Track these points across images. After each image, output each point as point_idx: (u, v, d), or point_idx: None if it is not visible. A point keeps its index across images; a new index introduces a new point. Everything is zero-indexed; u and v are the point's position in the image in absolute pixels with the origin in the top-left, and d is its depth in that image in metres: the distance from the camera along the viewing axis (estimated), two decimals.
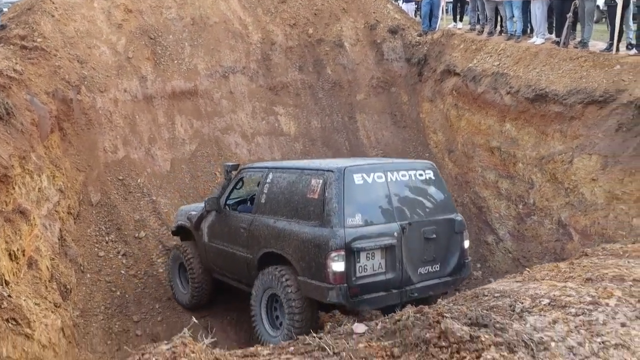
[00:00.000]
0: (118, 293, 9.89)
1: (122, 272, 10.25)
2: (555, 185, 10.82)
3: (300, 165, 8.00)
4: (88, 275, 9.92)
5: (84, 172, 11.16)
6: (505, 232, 11.81)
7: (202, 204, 9.27)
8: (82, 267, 9.87)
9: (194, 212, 9.61)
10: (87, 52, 12.29)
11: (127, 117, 12.24)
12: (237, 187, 9.09)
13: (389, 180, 7.20)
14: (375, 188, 7.07)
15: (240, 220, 8.37)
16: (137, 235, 10.88)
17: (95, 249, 10.42)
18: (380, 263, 6.82)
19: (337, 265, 6.48)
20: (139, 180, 11.67)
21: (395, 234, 6.92)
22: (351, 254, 6.54)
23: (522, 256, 11.29)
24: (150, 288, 10.14)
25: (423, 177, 7.60)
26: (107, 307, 9.59)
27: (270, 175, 8.04)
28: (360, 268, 6.64)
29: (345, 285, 6.50)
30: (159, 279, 10.32)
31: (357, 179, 6.93)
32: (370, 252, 6.73)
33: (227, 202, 8.96)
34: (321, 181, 7.01)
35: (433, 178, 7.71)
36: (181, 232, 10.07)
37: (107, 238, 10.68)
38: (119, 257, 10.49)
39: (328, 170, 7.04)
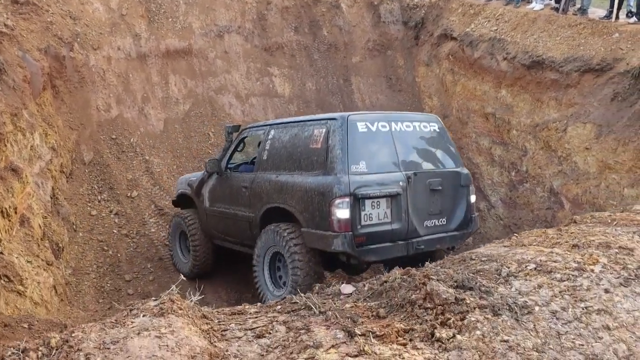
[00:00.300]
0: (110, 252, 9.92)
1: (115, 231, 10.27)
2: (549, 153, 10.86)
3: (302, 119, 7.79)
4: (80, 234, 9.94)
5: (76, 131, 11.09)
6: (497, 198, 11.88)
7: (202, 172, 9.20)
8: (74, 226, 9.88)
9: (194, 179, 9.52)
10: (79, 9, 12.09)
11: (121, 76, 12.12)
12: (239, 149, 8.98)
13: (393, 129, 7.03)
14: (379, 137, 6.91)
15: (242, 180, 8.21)
16: (129, 194, 10.88)
17: (88, 208, 10.43)
18: (385, 212, 6.65)
19: (342, 213, 6.32)
20: (132, 140, 11.61)
21: (401, 183, 6.75)
22: (356, 201, 6.37)
23: (514, 223, 11.37)
24: (142, 248, 10.17)
25: (428, 129, 7.43)
26: (99, 266, 9.63)
27: (272, 132, 7.88)
28: (366, 216, 6.49)
29: (350, 233, 6.34)
30: (151, 238, 10.35)
31: (361, 126, 6.76)
32: (375, 201, 6.57)
33: (229, 166, 8.83)
34: (324, 130, 6.85)
35: (438, 130, 7.55)
36: (182, 201, 9.90)
37: (99, 197, 10.68)
38: (112, 216, 10.49)
39: (331, 119, 6.89)
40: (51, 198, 9.40)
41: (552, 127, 10.77)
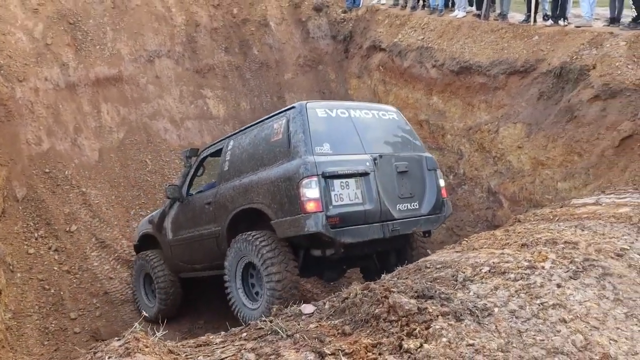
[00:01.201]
0: (52, 291, 9.57)
1: (55, 268, 9.92)
2: (484, 155, 11.16)
3: (261, 119, 7.58)
4: (18, 275, 9.56)
5: (6, 167, 10.68)
6: None
7: (162, 207, 8.98)
8: (11, 267, 9.50)
9: (154, 215, 9.24)
10: (1, 39, 11.71)
11: (50, 107, 11.78)
12: (199, 173, 8.75)
13: (352, 116, 7.02)
14: (340, 122, 6.88)
15: (204, 198, 7.99)
16: (68, 229, 10.54)
17: (25, 247, 10.04)
18: (356, 193, 6.52)
19: (311, 192, 6.16)
20: (66, 172, 11.27)
21: (368, 163, 6.66)
22: (324, 180, 6.24)
23: (456, 225, 11.60)
24: (86, 283, 9.86)
25: (387, 117, 7.47)
26: (41, 307, 9.26)
27: (231, 142, 7.77)
28: (336, 196, 6.33)
29: (322, 212, 6.14)
30: (95, 272, 10.05)
31: (320, 112, 6.75)
32: (344, 181, 6.45)
33: (189, 192, 8.60)
34: (284, 121, 6.78)
35: (397, 119, 7.59)
36: (144, 244, 9.56)
37: (36, 234, 10.30)
38: (51, 253, 10.14)
39: (289, 109, 6.85)
40: None
41: (485, 129, 11.08)
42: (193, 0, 14.76)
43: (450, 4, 13.73)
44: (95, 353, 2.81)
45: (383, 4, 15.61)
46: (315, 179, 6.16)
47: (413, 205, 7.09)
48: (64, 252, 10.21)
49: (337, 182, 6.35)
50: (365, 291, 3.57)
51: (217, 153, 8.21)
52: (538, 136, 10.13)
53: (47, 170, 11.15)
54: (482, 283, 3.78)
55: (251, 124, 7.78)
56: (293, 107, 6.81)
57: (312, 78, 15.04)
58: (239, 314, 6.95)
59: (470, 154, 11.47)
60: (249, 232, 6.88)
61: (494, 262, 4.08)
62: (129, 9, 13.76)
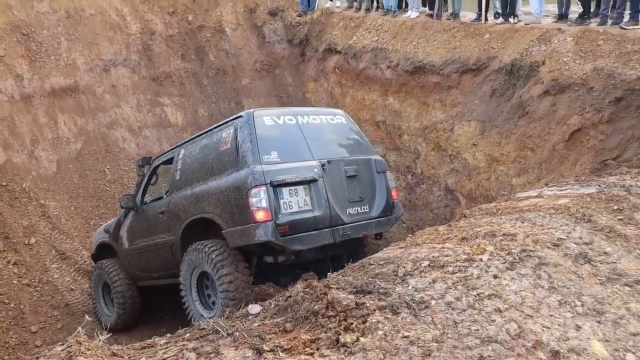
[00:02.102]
0: (12, 305, 9.49)
1: (15, 282, 9.84)
2: (440, 153, 11.33)
3: (209, 128, 7.60)
4: None
5: None
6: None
7: (117, 217, 8.98)
8: None
9: (110, 224, 9.24)
10: None
11: (5, 119, 11.66)
12: (152, 182, 8.75)
13: (300, 122, 7.07)
14: (288, 129, 6.92)
15: (158, 207, 8.03)
16: (27, 242, 10.46)
17: None
18: (305, 200, 6.59)
19: (260, 202, 6.21)
20: (24, 185, 11.18)
21: (316, 170, 6.72)
22: (273, 189, 6.30)
23: (415, 225, 11.75)
24: (47, 295, 9.80)
25: (335, 122, 7.52)
26: (1, 321, 9.19)
27: (182, 151, 7.78)
28: (285, 204, 6.41)
29: (272, 221, 6.21)
30: (55, 285, 10.00)
31: (267, 120, 6.78)
32: (293, 188, 6.51)
33: (144, 201, 8.62)
34: (232, 129, 6.81)
35: (345, 122, 7.65)
36: (101, 253, 9.56)
37: None
38: (10, 266, 10.05)
39: (237, 118, 6.89)
40: None
41: (440, 127, 11.26)
42: (148, 8, 14.74)
43: (403, 5, 13.94)
44: (37, 358, 2.86)
45: (338, 7, 15.78)
46: (263, 188, 6.22)
47: (363, 209, 7.16)
48: (24, 265, 10.13)
49: (285, 190, 6.43)
50: (306, 289, 3.68)
51: (170, 161, 8.24)
52: (492, 133, 10.31)
53: (4, 184, 11.04)
54: (421, 277, 3.91)
55: (200, 132, 7.83)
56: (240, 116, 6.84)
57: (269, 83, 15.12)
58: (192, 316, 6.97)
59: (427, 153, 11.65)
60: (200, 242, 6.93)
61: (433, 257, 4.22)
62: (83, 18, 13.68)
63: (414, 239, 5.14)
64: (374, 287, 3.65)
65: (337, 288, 3.55)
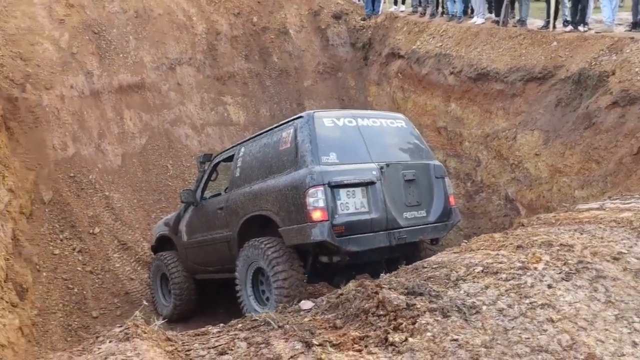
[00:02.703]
0: (75, 290, 9.86)
1: (79, 269, 10.22)
2: (501, 162, 11.16)
3: (270, 127, 7.73)
4: (44, 274, 9.86)
5: (34, 171, 11.04)
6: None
7: (178, 211, 9.28)
8: (37, 266, 9.81)
9: (170, 218, 9.52)
10: (29, 49, 12.10)
11: (75, 114, 12.12)
12: (212, 178, 8.97)
13: (360, 125, 7.07)
14: (347, 131, 6.95)
15: (217, 203, 8.21)
16: (91, 231, 10.85)
17: (50, 247, 10.36)
18: (362, 202, 6.58)
19: (317, 202, 6.27)
20: (90, 177, 11.60)
21: (374, 172, 6.71)
22: (330, 190, 6.33)
23: (473, 232, 11.59)
24: (108, 283, 10.15)
25: (395, 125, 7.51)
26: (65, 305, 9.56)
27: (242, 149, 7.93)
28: (342, 205, 6.41)
29: (328, 221, 6.24)
30: (116, 273, 10.34)
31: (327, 122, 6.84)
32: (350, 190, 6.52)
33: (204, 196, 8.82)
34: (292, 130, 6.89)
35: (405, 126, 7.63)
36: (160, 245, 9.85)
37: (61, 236, 10.62)
38: (75, 254, 10.45)
39: (297, 118, 6.97)
40: (12, 240, 9.33)
41: (502, 136, 11.09)
42: (214, 9, 15.05)
43: (469, 11, 13.79)
44: (97, 338, 3.00)
45: (402, 12, 15.74)
46: (321, 188, 6.27)
47: (420, 213, 7.13)
48: (88, 253, 10.51)
49: (343, 191, 6.45)
50: (358, 287, 3.72)
51: (230, 159, 8.41)
52: (556, 143, 10.10)
53: (72, 175, 11.48)
54: (474, 282, 3.89)
55: (261, 131, 7.98)
56: (301, 117, 6.94)
57: (331, 85, 15.19)
58: (246, 310, 7.00)
59: (487, 161, 11.49)
60: (256, 239, 7.05)
61: (487, 263, 4.18)
62: (151, 18, 14.09)
63: (468, 245, 5.10)
64: (426, 289, 3.66)
65: (389, 288, 3.57)
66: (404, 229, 6.85)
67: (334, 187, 6.37)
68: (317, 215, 6.24)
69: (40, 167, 11.18)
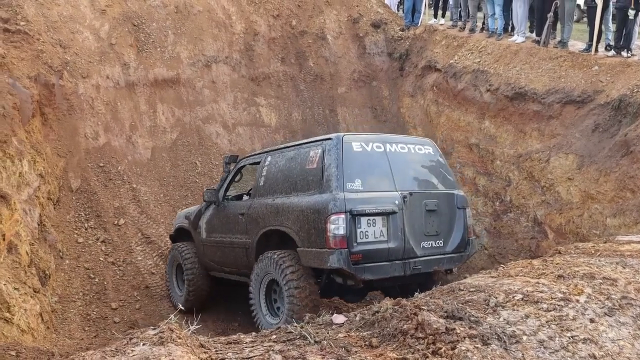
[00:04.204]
0: (96, 280, 9.88)
1: (101, 259, 10.24)
2: (532, 184, 11.01)
3: (298, 142, 7.81)
4: (67, 261, 9.90)
5: (64, 158, 11.10)
6: (482, 228, 11.99)
7: (200, 205, 9.44)
8: (61, 253, 9.85)
9: (192, 211, 9.60)
10: (70, 37, 12.18)
11: (109, 104, 12.18)
12: (236, 179, 9.03)
13: (387, 150, 7.07)
14: (374, 156, 6.96)
15: (239, 208, 8.29)
16: (116, 222, 10.87)
17: (75, 235, 10.40)
18: (381, 230, 6.62)
19: (338, 229, 6.33)
20: (119, 168, 11.64)
21: (397, 202, 6.74)
22: (352, 218, 6.38)
23: (498, 253, 11.48)
24: (129, 276, 10.14)
25: (422, 152, 7.51)
26: (85, 294, 9.58)
27: (269, 158, 7.96)
28: (362, 234, 6.46)
29: (346, 249, 6.32)
30: (138, 266, 10.33)
31: (356, 146, 6.83)
32: (371, 218, 6.55)
33: (226, 196, 8.90)
34: (320, 150, 6.92)
35: (432, 153, 7.62)
36: (179, 236, 9.97)
37: (86, 224, 10.66)
38: (98, 243, 10.47)
39: (326, 139, 6.99)
40: (38, 225, 9.39)
41: (535, 157, 10.95)
42: (254, 9, 15.05)
43: (509, 29, 13.64)
44: (131, 339, 2.95)
45: (441, 25, 15.62)
46: (342, 216, 6.35)
47: (437, 243, 7.17)
48: (111, 244, 10.53)
49: (364, 219, 6.50)
50: (396, 307, 3.63)
51: (255, 163, 8.48)
52: (590, 169, 9.95)
53: (101, 164, 11.52)
54: (514, 310, 3.78)
55: (289, 144, 8.06)
56: (330, 139, 6.97)
57: (365, 93, 15.10)
58: (260, 327, 7.08)
59: (518, 181, 11.35)
60: (274, 251, 7.18)
61: (527, 291, 4.07)
62: (191, 14, 14.13)
63: (506, 270, 4.99)
64: (465, 313, 3.55)
65: (428, 310, 3.48)
66: (420, 258, 6.89)
67: (356, 215, 6.42)
68: (336, 242, 6.34)
69: (70, 155, 11.25)
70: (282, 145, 8.25)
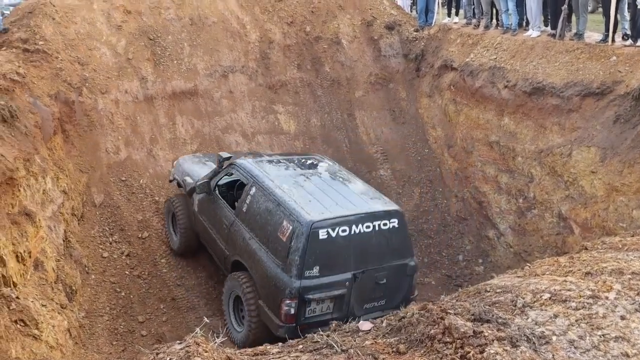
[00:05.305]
0: (123, 294, 9.96)
1: (127, 272, 10.33)
2: (555, 179, 10.88)
3: (278, 195, 8.23)
4: (93, 276, 10.00)
5: (87, 174, 11.23)
6: (506, 226, 11.88)
7: (197, 159, 10.78)
8: (86, 268, 9.95)
9: (188, 180, 10.25)
10: (87, 54, 12.34)
11: (129, 118, 12.31)
12: (227, 174, 9.70)
13: (352, 232, 7.74)
14: (337, 242, 7.66)
15: (224, 214, 9.16)
16: (140, 235, 10.97)
17: (100, 250, 10.50)
18: (329, 306, 7.70)
19: (289, 310, 7.46)
20: (141, 181, 11.74)
21: (347, 283, 7.67)
22: (303, 301, 7.45)
23: (524, 250, 11.36)
24: (155, 288, 10.21)
25: (387, 227, 8.05)
26: (112, 308, 9.66)
27: (253, 190, 8.64)
28: (310, 311, 7.58)
29: (294, 325, 7.46)
30: (164, 279, 10.40)
31: (322, 234, 7.54)
32: (321, 300, 7.60)
33: (218, 184, 9.71)
34: (290, 228, 7.64)
35: (397, 226, 8.14)
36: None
37: (110, 239, 10.76)
38: (123, 257, 10.57)
39: (298, 220, 7.60)
40: (63, 241, 9.50)
41: (557, 152, 10.81)
42: (267, 17, 15.08)
43: (524, 24, 13.51)
44: (157, 354, 2.96)
45: (455, 23, 15.51)
46: (295, 301, 7.44)
47: (379, 303, 8.14)
48: (136, 257, 10.62)
49: (314, 302, 7.57)
50: (422, 311, 3.60)
51: (242, 179, 9.26)
52: (613, 161, 9.80)
53: (123, 179, 11.64)
54: (542, 310, 3.73)
55: (271, 187, 8.49)
56: (300, 223, 7.58)
57: (382, 96, 15.03)
58: (228, 333, 8.44)
59: (541, 177, 11.21)
60: (240, 275, 8.45)
61: (555, 289, 4.02)
62: (205, 25, 14.22)
63: (532, 269, 4.92)
64: (492, 316, 3.52)
65: (455, 314, 3.44)
66: (360, 316, 7.58)
67: (307, 300, 7.48)
68: (287, 318, 7.50)
69: (92, 170, 11.38)
70: (266, 180, 8.70)
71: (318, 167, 9.66)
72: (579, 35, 11.84)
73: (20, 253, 7.14)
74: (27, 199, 8.25)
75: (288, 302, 7.43)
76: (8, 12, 13.75)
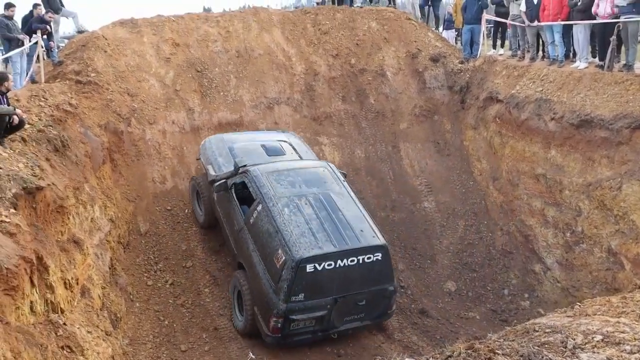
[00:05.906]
0: (166, 322, 10.02)
1: (170, 301, 10.41)
2: (604, 213, 10.61)
3: (278, 222, 9.07)
4: (137, 304, 10.12)
5: (133, 202, 11.45)
6: (553, 260, 11.61)
7: (222, 145, 11.28)
8: (131, 296, 10.08)
9: (210, 170, 10.98)
10: (137, 86, 12.69)
11: (175, 148, 12.55)
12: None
13: (337, 265, 8.67)
14: (323, 274, 8.63)
15: (236, 217, 10.12)
16: (184, 264, 11.08)
17: (144, 278, 10.64)
18: (312, 322, 8.90)
19: (277, 325, 8.72)
20: (186, 211, 11.92)
21: (329, 306, 8.80)
22: (289, 319, 8.64)
23: (572, 286, 11.07)
24: (198, 318, 10.24)
25: (370, 260, 8.93)
26: (155, 336, 9.72)
27: (260, 207, 9.48)
28: (295, 325, 8.78)
29: (280, 336, 8.84)
30: (207, 308, 10.43)
31: (309, 268, 8.52)
32: (304, 319, 8.78)
33: (235, 183, 10.31)
34: (284, 258, 8.64)
35: (380, 259, 8.99)
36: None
37: (155, 267, 10.90)
38: (167, 286, 10.68)
39: (289, 254, 8.58)
40: (109, 269, 9.66)
41: (606, 185, 10.56)
42: (313, 50, 15.27)
43: (571, 55, 13.34)
44: None
45: (501, 55, 15.42)
46: (282, 319, 8.66)
47: (359, 316, 9.31)
48: (180, 286, 10.71)
49: (298, 319, 8.73)
50: (469, 350, 3.52)
51: (252, 190, 9.94)
52: None
53: (168, 208, 11.83)
54: (594, 352, 3.61)
55: (274, 213, 9.24)
56: (292, 258, 8.55)
57: (427, 128, 14.95)
58: (233, 322, 10.00)
59: (589, 211, 10.95)
60: (242, 273, 9.71)
61: (607, 331, 3.89)
62: (252, 58, 14.48)
63: (582, 308, 4.79)
64: (542, 357, 3.42)
65: (503, 354, 3.36)
66: (339, 329, 9.22)
67: (292, 319, 8.67)
68: (274, 330, 8.78)
69: (139, 199, 11.60)
70: (269, 200, 9.47)
71: (319, 180, 10.22)
72: (628, 67, 11.62)
73: (68, 280, 7.27)
74: (76, 227, 8.43)
75: (275, 319, 8.68)
76: (63, 45, 14.23)
